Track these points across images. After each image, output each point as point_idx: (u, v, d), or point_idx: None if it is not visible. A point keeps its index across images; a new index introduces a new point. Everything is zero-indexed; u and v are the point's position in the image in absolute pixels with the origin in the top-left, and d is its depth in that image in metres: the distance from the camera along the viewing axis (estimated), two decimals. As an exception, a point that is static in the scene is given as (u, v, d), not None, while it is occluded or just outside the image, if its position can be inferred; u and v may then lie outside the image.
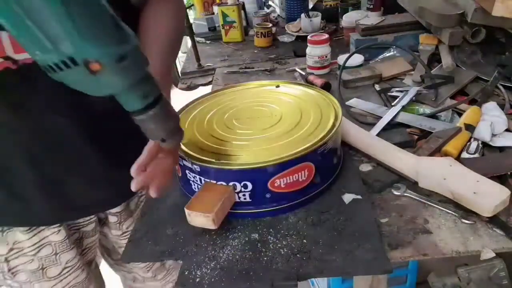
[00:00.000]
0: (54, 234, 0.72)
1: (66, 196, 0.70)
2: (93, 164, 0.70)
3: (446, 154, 0.71)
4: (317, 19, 1.51)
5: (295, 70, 1.22)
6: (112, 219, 0.81)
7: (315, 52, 1.14)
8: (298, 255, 0.55)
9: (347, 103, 0.96)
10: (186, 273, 0.55)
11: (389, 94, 0.98)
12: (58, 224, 0.72)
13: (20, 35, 0.38)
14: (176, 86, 1.41)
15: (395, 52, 1.15)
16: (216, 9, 1.68)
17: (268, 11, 1.81)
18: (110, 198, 0.76)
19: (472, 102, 0.88)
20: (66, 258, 0.75)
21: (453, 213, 0.60)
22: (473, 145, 0.72)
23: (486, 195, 0.58)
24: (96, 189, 0.73)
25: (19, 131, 0.62)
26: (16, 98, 0.59)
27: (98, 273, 0.88)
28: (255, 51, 1.49)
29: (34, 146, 0.63)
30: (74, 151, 0.67)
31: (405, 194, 0.65)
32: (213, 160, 0.61)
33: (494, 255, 0.54)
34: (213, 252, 0.57)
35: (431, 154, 0.71)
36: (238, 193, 0.61)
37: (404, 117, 0.86)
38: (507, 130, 0.75)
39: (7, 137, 0.62)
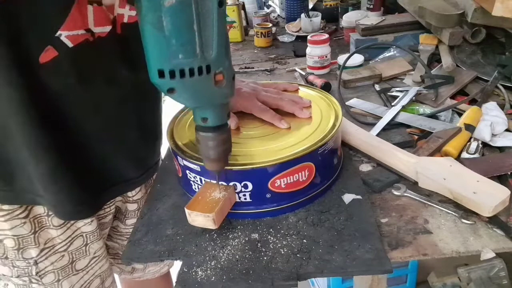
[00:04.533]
0: (87, 225, 0.73)
1: (104, 173, 0.71)
2: (132, 139, 0.73)
3: (446, 154, 0.71)
4: (317, 19, 1.51)
5: (295, 70, 1.22)
6: (131, 207, 0.84)
7: (315, 52, 1.14)
8: (298, 255, 0.55)
9: (347, 103, 0.96)
10: (186, 272, 0.55)
11: (389, 94, 0.98)
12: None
13: (175, 36, 0.41)
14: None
15: (395, 52, 1.15)
16: (216, 9, 1.68)
17: (268, 11, 1.81)
18: (137, 177, 0.79)
19: (472, 102, 0.88)
20: (95, 248, 0.76)
21: (453, 213, 0.60)
22: (473, 145, 0.72)
23: (486, 195, 0.58)
24: (129, 165, 0.75)
25: (80, 103, 0.62)
26: (85, 70, 0.60)
27: None
28: (255, 51, 1.49)
29: (89, 120, 0.65)
30: (121, 125, 0.69)
31: (405, 194, 0.65)
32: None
33: (494, 255, 0.54)
34: (213, 251, 0.57)
35: (431, 154, 0.71)
36: (238, 193, 0.61)
37: (404, 117, 0.86)
38: (507, 130, 0.76)
39: (69, 110, 0.62)
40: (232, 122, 0.69)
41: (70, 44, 0.56)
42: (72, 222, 0.71)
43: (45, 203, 0.67)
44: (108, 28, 0.60)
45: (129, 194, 0.81)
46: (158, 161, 0.85)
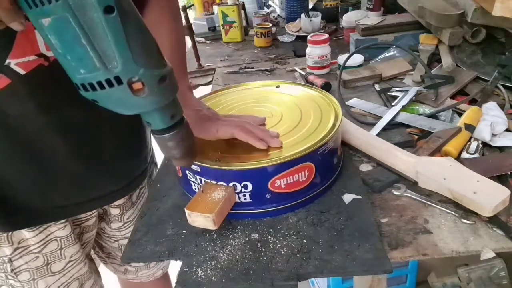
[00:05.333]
0: (60, 230, 0.72)
1: (82, 190, 0.71)
2: (111, 155, 0.72)
3: (446, 154, 0.71)
4: (317, 19, 1.51)
5: (295, 70, 1.22)
6: (114, 211, 0.83)
7: (315, 52, 1.14)
8: (298, 255, 0.55)
9: (347, 103, 0.96)
10: (186, 273, 0.55)
11: (389, 94, 0.98)
12: (64, 220, 0.72)
13: (68, 53, 0.39)
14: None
15: (395, 52, 1.15)
16: (216, 9, 1.68)
17: (268, 11, 1.81)
18: (119, 189, 0.78)
19: (472, 102, 0.88)
20: (70, 252, 0.76)
21: (453, 213, 0.60)
22: (473, 145, 0.72)
23: (486, 195, 0.58)
24: (110, 181, 0.74)
25: (45, 127, 0.62)
26: (46, 94, 0.60)
27: (95, 266, 0.89)
28: (255, 51, 1.49)
29: (59, 142, 0.64)
30: (95, 145, 0.69)
31: (405, 194, 0.65)
32: (213, 161, 0.61)
33: (494, 255, 0.54)
34: (213, 252, 0.57)
35: (431, 154, 0.71)
36: (238, 193, 0.61)
37: (404, 117, 0.86)
38: (507, 130, 0.76)
39: (36, 133, 0.62)
40: (277, 142, 0.65)
41: (22, 72, 0.56)
42: (44, 226, 0.70)
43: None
44: None
45: None
46: (146, 169, 0.84)
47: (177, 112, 0.49)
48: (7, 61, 0.54)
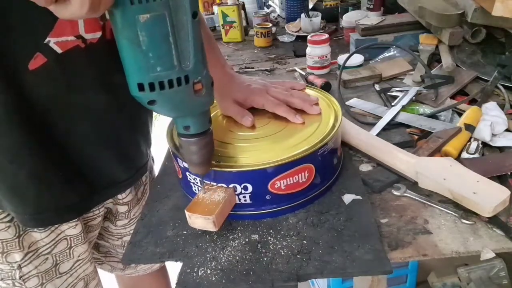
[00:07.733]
0: (71, 229, 0.73)
1: (94, 179, 0.71)
2: (123, 142, 0.73)
3: (446, 154, 0.71)
4: (317, 19, 1.51)
5: (295, 70, 1.22)
6: (121, 208, 0.84)
7: (315, 52, 1.14)
8: (298, 256, 0.55)
9: (347, 103, 0.96)
10: (187, 274, 0.55)
11: (389, 94, 0.98)
12: (76, 219, 0.72)
13: (152, 49, 0.42)
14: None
15: (395, 52, 1.15)
16: (216, 9, 1.68)
17: (268, 11, 1.81)
18: (127, 179, 0.79)
19: (472, 102, 0.88)
20: (79, 251, 0.76)
21: (453, 213, 0.60)
22: (473, 145, 0.72)
23: (486, 195, 0.58)
24: (118, 168, 0.75)
25: (71, 109, 0.63)
26: (77, 76, 0.61)
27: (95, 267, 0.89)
28: (255, 51, 1.49)
29: (80, 125, 0.65)
30: (111, 129, 0.70)
31: (405, 194, 0.65)
32: (213, 162, 0.61)
33: (494, 255, 0.54)
34: (213, 253, 0.57)
35: (431, 154, 0.71)
36: (238, 195, 0.61)
37: (404, 117, 0.86)
38: (507, 130, 0.75)
39: (58, 114, 0.62)
40: (247, 120, 0.70)
41: (59, 50, 0.57)
42: (56, 225, 0.70)
43: (20, 211, 0.65)
44: (98, 34, 0.61)
45: (119, 196, 0.81)
46: (147, 162, 0.85)
47: (210, 118, 0.53)
48: (47, 39, 0.55)
